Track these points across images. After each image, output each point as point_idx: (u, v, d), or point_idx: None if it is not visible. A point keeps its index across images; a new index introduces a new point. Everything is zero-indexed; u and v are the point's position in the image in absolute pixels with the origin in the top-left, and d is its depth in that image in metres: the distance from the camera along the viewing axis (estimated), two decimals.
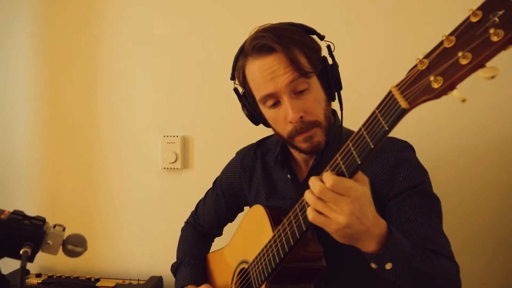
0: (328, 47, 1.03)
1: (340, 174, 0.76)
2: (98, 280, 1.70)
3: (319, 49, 1.03)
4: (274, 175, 1.20)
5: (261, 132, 1.32)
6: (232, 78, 1.11)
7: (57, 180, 1.89)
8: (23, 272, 0.84)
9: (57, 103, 1.89)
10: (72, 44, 1.86)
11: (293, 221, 0.89)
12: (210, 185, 1.45)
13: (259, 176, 1.23)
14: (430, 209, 1.01)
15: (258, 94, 1.03)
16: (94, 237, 1.85)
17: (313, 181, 0.78)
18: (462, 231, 1.56)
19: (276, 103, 1.01)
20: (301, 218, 0.87)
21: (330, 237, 0.85)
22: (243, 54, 1.05)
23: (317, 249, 0.99)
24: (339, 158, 0.77)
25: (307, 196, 0.79)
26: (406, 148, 1.06)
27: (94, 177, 1.86)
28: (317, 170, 1.05)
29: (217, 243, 1.43)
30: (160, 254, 1.81)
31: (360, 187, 0.76)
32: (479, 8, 0.56)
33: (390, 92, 0.67)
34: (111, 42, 1.84)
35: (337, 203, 0.76)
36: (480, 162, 1.56)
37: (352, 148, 0.74)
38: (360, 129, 0.73)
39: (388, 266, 0.81)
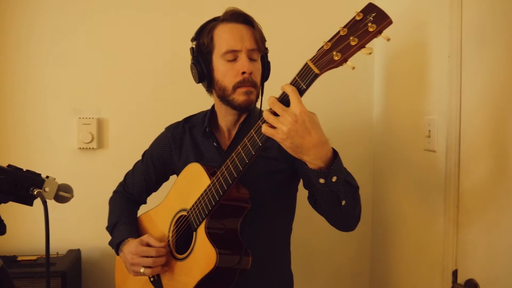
0: None
1: None
2: (15, 257, 1.74)
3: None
4: (201, 145, 1.43)
5: (169, 117, 1.55)
6: (195, 38, 1.33)
7: None
8: (46, 207, 0.95)
9: None
10: None
11: (236, 159, 1.12)
12: (123, 163, 1.62)
13: (188, 146, 1.44)
14: None
15: (223, 47, 1.27)
16: (8, 215, 1.89)
17: (270, 97, 1.01)
18: None
19: (233, 59, 1.27)
20: (243, 154, 1.10)
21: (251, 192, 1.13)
22: (215, 21, 1.31)
23: (245, 191, 1.26)
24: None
25: (264, 112, 1.01)
26: None
27: (10, 155, 1.89)
28: (239, 138, 1.32)
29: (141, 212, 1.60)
30: (76, 228, 1.92)
31: (306, 109, 0.97)
32: (361, 11, 0.92)
33: (306, 64, 0.99)
34: (23, 23, 1.89)
35: (283, 115, 0.97)
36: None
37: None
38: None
39: (334, 179, 1.05)
